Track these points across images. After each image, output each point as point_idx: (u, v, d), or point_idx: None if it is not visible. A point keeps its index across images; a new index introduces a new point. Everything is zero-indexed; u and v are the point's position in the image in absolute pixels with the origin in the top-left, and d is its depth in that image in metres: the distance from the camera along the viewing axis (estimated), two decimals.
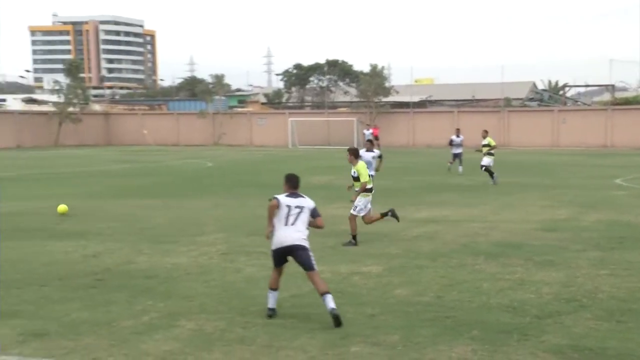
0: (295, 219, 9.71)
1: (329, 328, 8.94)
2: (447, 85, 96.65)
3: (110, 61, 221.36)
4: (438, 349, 8.15)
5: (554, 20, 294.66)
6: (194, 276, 11.94)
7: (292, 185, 10.04)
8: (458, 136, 33.87)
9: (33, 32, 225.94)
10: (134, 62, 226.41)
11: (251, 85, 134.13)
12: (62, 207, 19.43)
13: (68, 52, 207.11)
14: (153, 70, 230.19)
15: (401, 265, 12.78)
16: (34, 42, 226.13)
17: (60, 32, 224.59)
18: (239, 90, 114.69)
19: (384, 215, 15.92)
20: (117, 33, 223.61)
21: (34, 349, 8.24)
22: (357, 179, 15.61)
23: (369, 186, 15.56)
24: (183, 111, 79.16)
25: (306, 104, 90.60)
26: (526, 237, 15.65)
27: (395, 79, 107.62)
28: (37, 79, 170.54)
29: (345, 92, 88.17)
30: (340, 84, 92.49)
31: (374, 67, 69.74)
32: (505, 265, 12.74)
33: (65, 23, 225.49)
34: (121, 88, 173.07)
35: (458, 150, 33.48)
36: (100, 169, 38.01)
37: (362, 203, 15.53)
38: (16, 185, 28.47)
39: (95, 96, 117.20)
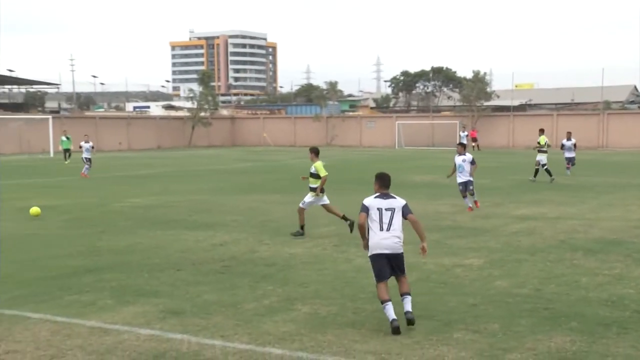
0: (390, 222, 8.66)
1: (434, 315, 8.81)
2: (547, 90, 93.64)
3: (237, 71, 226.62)
4: (537, 339, 7.88)
5: None
6: (309, 265, 12.02)
7: (383, 184, 9.06)
8: (569, 139, 31.61)
9: (173, 47, 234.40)
10: (258, 71, 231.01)
11: (361, 91, 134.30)
12: (34, 210, 18.07)
13: (201, 63, 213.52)
14: (274, 79, 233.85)
15: (501, 259, 12.45)
16: (173, 56, 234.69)
17: (195, 47, 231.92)
18: (350, 95, 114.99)
19: (344, 218, 15.28)
20: (244, 46, 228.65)
21: (172, 325, 8.50)
22: (314, 175, 15.36)
23: (314, 186, 15.21)
24: (300, 115, 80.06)
25: (412, 108, 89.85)
26: (625, 235, 14.93)
27: (497, 84, 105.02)
28: (175, 88, 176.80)
29: (449, 97, 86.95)
30: (444, 89, 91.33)
31: (476, 74, 68.47)
32: (604, 261, 12.19)
33: (199, 38, 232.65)
34: (246, 95, 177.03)
35: (570, 154, 31.32)
36: (227, 167, 38.94)
37: (311, 200, 15.25)
38: (155, 181, 29.54)
39: (223, 102, 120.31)
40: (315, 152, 15.68)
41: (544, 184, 26.96)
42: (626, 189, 25.04)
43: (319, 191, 15.27)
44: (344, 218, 15.34)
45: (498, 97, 70.77)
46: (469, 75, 70.93)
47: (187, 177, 31.95)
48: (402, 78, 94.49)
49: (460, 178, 19.22)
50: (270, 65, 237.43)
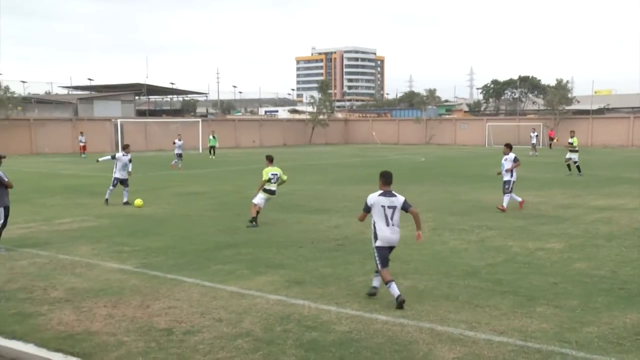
0: (392, 218, 8.35)
1: (518, 291, 8.54)
2: (625, 95, 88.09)
3: (350, 80, 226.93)
4: (613, 315, 7.49)
5: None
6: (410, 245, 11.89)
7: (386, 181, 8.60)
8: None
9: (297, 61, 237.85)
10: (368, 80, 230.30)
11: (456, 97, 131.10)
12: (138, 202, 17.82)
13: (321, 74, 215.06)
14: (381, 87, 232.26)
15: (580, 244, 11.88)
16: (297, 69, 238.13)
17: (316, 61, 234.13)
18: (447, 101, 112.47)
19: (254, 218, 14.39)
20: (356, 59, 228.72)
21: (295, 292, 8.67)
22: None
23: (270, 188, 14.65)
24: (403, 118, 79.18)
25: (500, 112, 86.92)
26: None
27: (577, 91, 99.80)
28: (299, 95, 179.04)
29: (534, 102, 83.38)
30: (530, 95, 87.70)
31: (559, 82, 65.32)
32: None
33: (320, 53, 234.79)
34: (357, 100, 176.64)
35: None
36: (340, 161, 39.14)
37: (261, 198, 14.56)
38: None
39: (338, 107, 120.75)
40: (269, 159, 15.14)
41: (621, 178, 25.42)
42: None
43: (258, 190, 14.76)
44: (253, 219, 14.39)
45: (578, 102, 67.41)
46: (552, 83, 67.83)
47: (307, 169, 32.40)
48: (492, 86, 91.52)
49: (503, 176, 17.03)
50: (378, 76, 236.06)
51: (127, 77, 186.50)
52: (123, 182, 18.71)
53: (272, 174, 14.78)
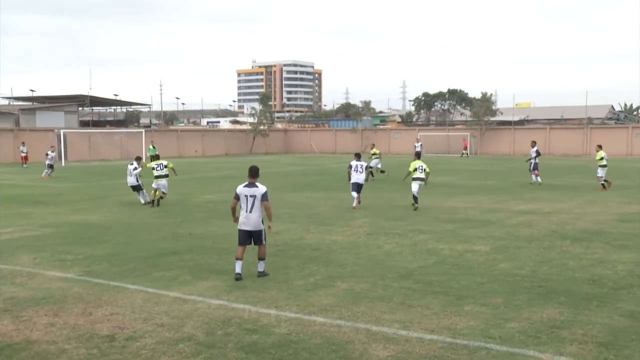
0: (252, 206, 9.46)
1: (448, 292, 8.71)
2: (542, 108, 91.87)
3: (290, 92, 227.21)
4: (532, 310, 7.75)
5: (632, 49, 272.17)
6: (347, 250, 12.00)
7: (250, 174, 9.78)
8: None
9: (239, 73, 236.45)
10: (306, 92, 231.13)
11: (390, 109, 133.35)
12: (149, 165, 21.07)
13: (261, 87, 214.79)
14: (319, 98, 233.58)
15: (504, 246, 12.25)
16: (239, 81, 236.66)
17: (257, 73, 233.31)
18: (381, 112, 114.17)
19: (153, 201, 19.22)
20: (295, 72, 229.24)
21: (236, 296, 8.57)
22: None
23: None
24: (340, 128, 79.83)
25: (431, 122, 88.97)
26: (605, 226, 14.57)
27: (500, 103, 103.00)
28: (240, 107, 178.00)
29: (461, 114, 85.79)
30: (458, 107, 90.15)
31: (484, 95, 67.49)
32: (588, 247, 11.92)
33: (260, 66, 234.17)
34: (296, 112, 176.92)
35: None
36: (281, 170, 39.04)
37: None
38: (224, 181, 29.81)
39: (278, 118, 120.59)
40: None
41: (540, 185, 26.41)
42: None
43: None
44: (153, 201, 19.11)
45: (502, 113, 69.81)
46: (478, 96, 69.97)
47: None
48: (423, 98, 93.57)
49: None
50: (316, 88, 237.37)
51: (71, 90, 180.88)
52: (134, 187, 19.78)
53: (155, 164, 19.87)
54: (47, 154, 34.06)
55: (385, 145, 70.31)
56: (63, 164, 45.86)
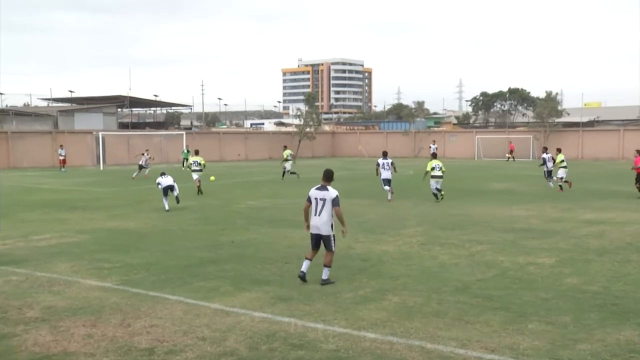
0: (321, 209, 9.87)
1: (510, 307, 8.51)
2: (614, 108, 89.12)
3: (337, 92, 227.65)
4: (606, 332, 7.48)
5: None
6: (398, 261, 11.90)
7: (324, 177, 10.21)
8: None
9: (284, 73, 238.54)
10: (355, 92, 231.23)
11: (445, 110, 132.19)
12: (212, 178, 27.36)
13: (308, 87, 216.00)
14: (369, 99, 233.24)
15: (571, 258, 11.91)
16: (284, 80, 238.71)
17: (303, 72, 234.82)
18: (435, 113, 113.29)
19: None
20: (344, 71, 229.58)
21: (281, 309, 8.59)
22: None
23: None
24: (391, 130, 79.52)
25: (490, 124, 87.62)
26: None
27: (567, 103, 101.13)
28: (285, 108, 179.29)
29: (523, 115, 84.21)
30: (519, 108, 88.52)
31: (548, 94, 65.97)
32: None
33: (306, 65, 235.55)
34: (344, 113, 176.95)
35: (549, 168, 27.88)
36: None
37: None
38: (267, 186, 30.04)
39: (325, 119, 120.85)
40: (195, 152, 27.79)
41: (611, 192, 25.61)
42: None
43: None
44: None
45: (568, 114, 68.08)
46: (542, 95, 68.53)
47: (293, 183, 32.31)
48: (481, 98, 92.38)
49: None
50: (366, 88, 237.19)
51: (110, 90, 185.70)
52: (169, 188, 20.44)
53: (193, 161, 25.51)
54: (142, 154, 36.97)
55: (440, 148, 69.56)
56: (101, 167, 47.14)
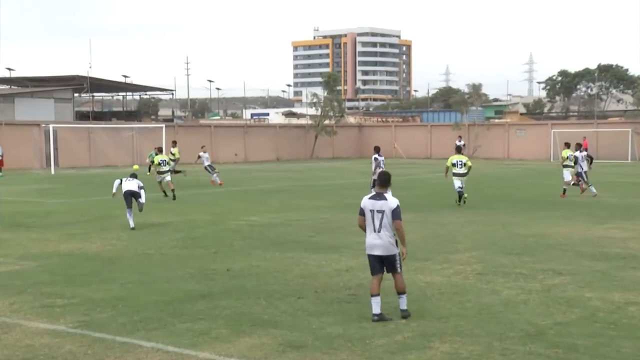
0: (380, 223, 10.20)
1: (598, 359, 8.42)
2: None
3: (366, 73, 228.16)
4: None
5: None
6: (447, 296, 11.85)
7: (380, 183, 10.63)
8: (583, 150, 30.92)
9: (295, 47, 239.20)
10: (389, 73, 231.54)
11: (510, 95, 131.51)
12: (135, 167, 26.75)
13: (326, 65, 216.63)
14: (407, 81, 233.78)
15: None
16: (295, 57, 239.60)
17: (320, 46, 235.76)
18: (496, 100, 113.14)
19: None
20: (374, 44, 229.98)
21: (293, 359, 8.60)
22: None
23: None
24: (436, 123, 79.58)
25: (571, 114, 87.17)
26: None
27: None
28: (297, 93, 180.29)
29: (619, 100, 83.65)
30: (613, 91, 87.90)
31: None
32: None
33: (325, 37, 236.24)
34: (375, 100, 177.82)
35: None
36: (352, 181, 39.10)
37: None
38: (274, 197, 30.11)
39: (349, 108, 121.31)
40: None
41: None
42: None
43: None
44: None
45: None
46: None
47: (308, 192, 32.36)
48: (559, 79, 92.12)
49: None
50: (404, 67, 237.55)
51: (64, 69, 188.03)
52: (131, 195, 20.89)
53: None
54: (199, 156, 38.06)
55: (502, 146, 69.25)
56: (52, 171, 47.53)
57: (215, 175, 36.50)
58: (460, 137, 62.22)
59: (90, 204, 27.23)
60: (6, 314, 10.93)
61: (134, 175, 21.05)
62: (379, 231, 10.23)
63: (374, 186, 23.56)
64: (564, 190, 28.61)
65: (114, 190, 21.23)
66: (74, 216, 23.30)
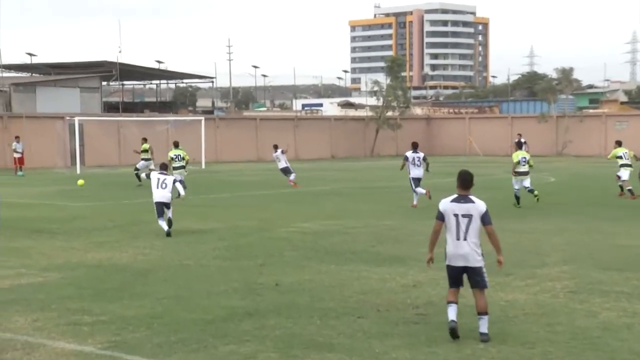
0: (466, 229, 10.29)
1: None
2: None
3: (435, 56, 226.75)
4: None
5: None
6: (533, 317, 11.71)
7: (462, 184, 10.57)
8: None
9: (353, 27, 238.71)
10: (462, 56, 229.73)
11: (608, 81, 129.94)
12: (80, 182, 29.14)
13: (389, 48, 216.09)
14: (484, 66, 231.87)
15: None
16: (352, 39, 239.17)
17: (382, 26, 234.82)
18: (590, 87, 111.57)
19: None
20: (444, 23, 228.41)
21: None
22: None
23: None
24: (518, 114, 78.78)
25: None
26: None
27: None
28: (355, 80, 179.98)
29: None
30: None
31: None
32: None
33: (387, 15, 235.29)
34: (446, 87, 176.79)
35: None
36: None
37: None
38: (329, 200, 30.12)
39: (416, 98, 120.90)
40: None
41: None
42: None
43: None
44: None
45: None
46: None
47: (368, 195, 32.28)
48: None
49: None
50: (480, 48, 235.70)
51: (90, 54, 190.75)
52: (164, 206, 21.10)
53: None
54: (277, 151, 37.73)
55: (598, 142, 68.00)
56: (78, 170, 48.13)
57: (293, 176, 36.57)
58: (520, 134, 61.55)
59: (119, 208, 27.55)
60: (29, 332, 11.10)
61: (164, 166, 21.39)
62: (464, 239, 10.28)
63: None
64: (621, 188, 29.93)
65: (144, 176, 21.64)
66: (101, 221, 23.59)
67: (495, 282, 14.16)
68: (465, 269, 10.40)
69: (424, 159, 27.30)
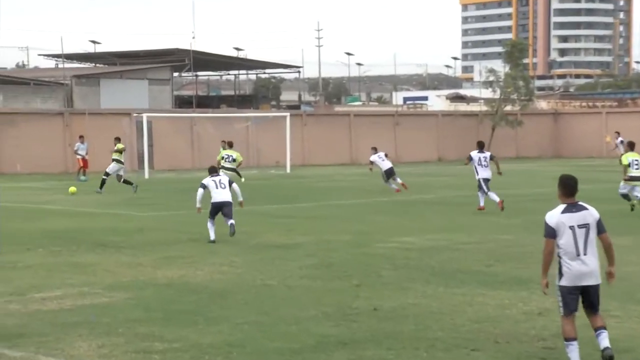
0: (585, 242, 10.12)
1: None
2: None
3: (564, 39, 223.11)
4: None
5: None
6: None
7: (567, 191, 10.40)
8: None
9: (464, 5, 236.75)
10: (598, 38, 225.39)
11: None
12: (72, 189, 29.33)
13: (507, 30, 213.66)
14: (625, 49, 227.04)
15: None
16: (464, 20, 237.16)
17: (499, 4, 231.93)
18: None
19: None
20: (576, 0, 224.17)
21: None
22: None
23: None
24: None
25: None
26: None
27: None
28: (466, 69, 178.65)
29: None
30: None
31: None
32: None
33: None
34: (577, 76, 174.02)
35: None
36: (544, 190, 38.03)
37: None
38: (436, 211, 30.03)
39: (541, 89, 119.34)
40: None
41: None
42: None
43: None
44: None
45: None
46: None
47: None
48: None
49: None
50: (621, 28, 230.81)
51: (160, 41, 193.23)
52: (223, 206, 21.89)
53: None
54: (371, 162, 38.10)
55: None
56: (146, 174, 48.80)
57: (397, 182, 37.03)
58: (618, 132, 59.87)
59: (193, 219, 27.78)
60: (93, 359, 11.37)
61: (213, 170, 21.99)
62: (584, 253, 10.10)
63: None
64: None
65: (198, 204, 22.18)
66: (173, 234, 23.92)
67: (638, 311, 13.93)
68: (588, 289, 10.22)
69: (492, 157, 29.39)
